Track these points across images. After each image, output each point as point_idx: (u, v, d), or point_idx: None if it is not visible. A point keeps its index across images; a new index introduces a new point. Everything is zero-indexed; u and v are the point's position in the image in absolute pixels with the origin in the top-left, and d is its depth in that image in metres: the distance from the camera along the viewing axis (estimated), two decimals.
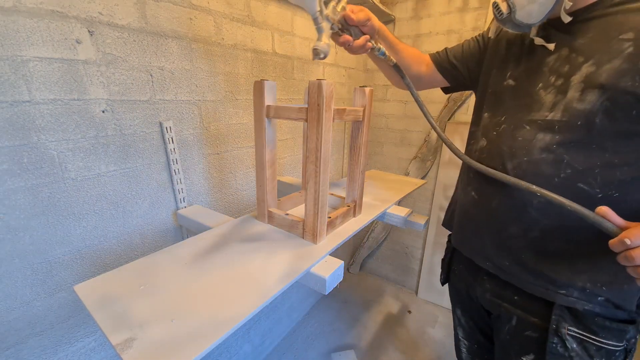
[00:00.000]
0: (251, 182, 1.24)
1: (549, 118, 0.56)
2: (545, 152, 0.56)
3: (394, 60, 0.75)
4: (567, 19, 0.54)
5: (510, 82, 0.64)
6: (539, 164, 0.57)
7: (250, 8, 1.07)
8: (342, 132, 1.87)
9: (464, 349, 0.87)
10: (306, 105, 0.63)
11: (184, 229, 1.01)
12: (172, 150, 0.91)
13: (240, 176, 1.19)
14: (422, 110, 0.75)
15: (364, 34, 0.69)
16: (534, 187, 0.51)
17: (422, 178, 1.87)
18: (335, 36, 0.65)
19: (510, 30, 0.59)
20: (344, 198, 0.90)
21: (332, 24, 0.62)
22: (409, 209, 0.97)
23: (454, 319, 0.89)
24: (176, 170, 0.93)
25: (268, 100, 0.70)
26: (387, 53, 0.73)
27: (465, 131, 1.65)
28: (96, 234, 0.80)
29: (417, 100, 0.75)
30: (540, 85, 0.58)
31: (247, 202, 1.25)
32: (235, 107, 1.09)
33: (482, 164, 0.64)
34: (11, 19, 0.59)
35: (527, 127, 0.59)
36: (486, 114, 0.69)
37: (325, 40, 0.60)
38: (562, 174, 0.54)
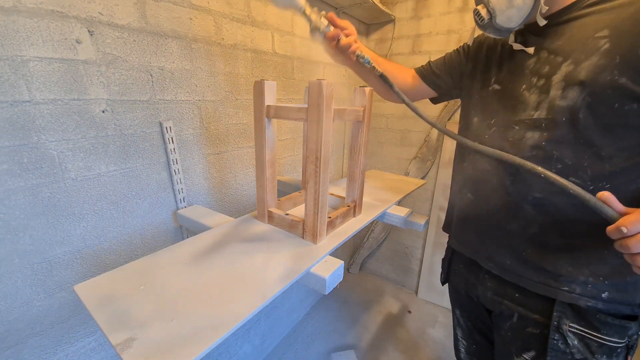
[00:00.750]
0: (251, 182, 1.24)
1: (535, 117, 0.58)
2: (536, 149, 0.57)
3: (380, 70, 0.75)
4: (542, 22, 0.56)
5: (496, 86, 0.67)
6: (530, 161, 0.58)
7: (250, 8, 1.07)
8: (342, 132, 1.87)
9: (463, 349, 0.88)
10: (306, 105, 0.63)
11: (184, 229, 1.01)
12: (172, 150, 0.91)
13: (240, 176, 1.19)
14: (417, 113, 0.74)
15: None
16: (539, 168, 0.50)
17: (422, 178, 1.88)
18: (327, 33, 0.69)
19: (491, 36, 0.61)
20: (344, 198, 0.90)
21: (322, 18, 0.67)
22: (409, 209, 0.97)
23: (454, 319, 0.89)
24: (176, 170, 0.93)
25: (268, 100, 0.70)
26: (372, 61, 0.73)
27: None
28: (96, 234, 0.80)
29: (409, 105, 0.75)
30: (524, 86, 0.60)
31: (247, 202, 1.25)
32: (235, 107, 1.10)
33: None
34: (11, 19, 0.59)
35: (516, 127, 0.60)
36: (476, 118, 0.71)
37: (324, 23, 0.66)
38: (553, 169, 0.55)
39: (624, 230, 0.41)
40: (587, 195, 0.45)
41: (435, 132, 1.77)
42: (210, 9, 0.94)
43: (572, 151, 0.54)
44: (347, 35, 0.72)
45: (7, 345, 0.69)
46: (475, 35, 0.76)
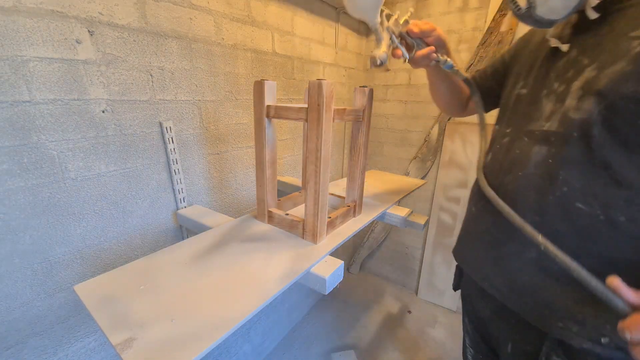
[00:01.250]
0: (251, 182, 1.24)
1: (544, 129, 0.51)
2: (540, 167, 0.51)
3: (465, 75, 0.67)
4: (593, 15, 0.46)
5: (522, 90, 0.59)
6: (533, 179, 0.52)
7: (250, 8, 1.07)
8: (342, 132, 1.87)
9: (470, 357, 0.85)
10: (306, 105, 0.63)
11: (184, 229, 1.01)
12: (172, 150, 0.91)
13: (240, 176, 1.19)
14: (482, 133, 0.67)
15: (428, 45, 0.63)
16: (540, 237, 0.44)
17: (422, 178, 1.87)
18: (394, 50, 0.62)
19: (530, 26, 0.53)
20: (344, 198, 0.90)
21: (392, 36, 0.60)
22: (409, 209, 0.97)
23: (463, 326, 0.85)
24: (176, 170, 0.93)
25: (268, 100, 0.70)
26: (455, 65, 0.66)
27: (465, 131, 1.66)
28: (96, 234, 0.80)
29: (481, 124, 0.67)
30: (545, 92, 0.53)
31: (247, 202, 1.25)
32: (235, 107, 1.10)
33: (486, 181, 0.60)
34: (11, 19, 0.59)
35: (525, 139, 0.54)
36: (497, 126, 0.64)
37: (384, 49, 0.59)
38: (557, 192, 0.48)
39: (627, 337, 0.35)
40: (592, 281, 0.39)
41: (435, 132, 1.77)
42: (210, 9, 0.94)
43: (581, 173, 0.46)
44: (428, 44, 0.63)
45: (7, 345, 0.69)
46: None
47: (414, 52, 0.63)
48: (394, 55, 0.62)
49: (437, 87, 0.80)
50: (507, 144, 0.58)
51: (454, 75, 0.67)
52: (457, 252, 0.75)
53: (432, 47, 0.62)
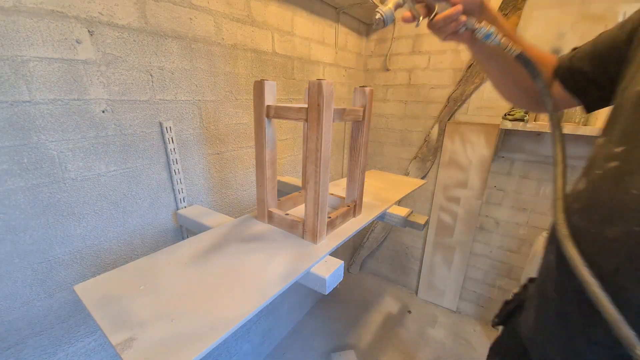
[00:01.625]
0: (251, 182, 1.24)
1: None
2: None
3: (518, 50, 0.47)
4: None
5: None
6: None
7: (250, 8, 1.07)
8: (342, 132, 1.87)
9: None
10: (306, 106, 0.63)
11: (184, 229, 1.01)
12: (172, 150, 0.91)
13: (240, 176, 1.19)
14: (556, 147, 0.46)
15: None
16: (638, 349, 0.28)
17: (422, 178, 1.88)
18: (405, 13, 0.51)
19: None
20: (344, 198, 0.90)
21: None
22: (409, 209, 0.97)
23: None
24: (176, 170, 0.93)
25: (268, 100, 0.70)
26: (499, 36, 0.47)
27: (465, 131, 1.66)
28: (96, 234, 0.80)
29: (553, 126, 0.47)
30: None
31: (247, 202, 1.25)
32: (235, 107, 1.10)
33: (572, 222, 0.40)
34: (11, 19, 0.59)
35: None
36: (601, 139, 0.42)
37: (390, 6, 0.49)
38: None
39: None
40: None
41: (435, 132, 1.77)
42: (210, 9, 0.94)
43: None
44: (453, 4, 0.47)
45: (7, 345, 0.69)
46: None
47: (434, 14, 0.49)
48: (403, 19, 0.50)
49: (489, 71, 0.60)
50: (616, 172, 0.37)
51: (503, 49, 0.47)
52: (523, 320, 0.55)
53: (459, 7, 0.47)
